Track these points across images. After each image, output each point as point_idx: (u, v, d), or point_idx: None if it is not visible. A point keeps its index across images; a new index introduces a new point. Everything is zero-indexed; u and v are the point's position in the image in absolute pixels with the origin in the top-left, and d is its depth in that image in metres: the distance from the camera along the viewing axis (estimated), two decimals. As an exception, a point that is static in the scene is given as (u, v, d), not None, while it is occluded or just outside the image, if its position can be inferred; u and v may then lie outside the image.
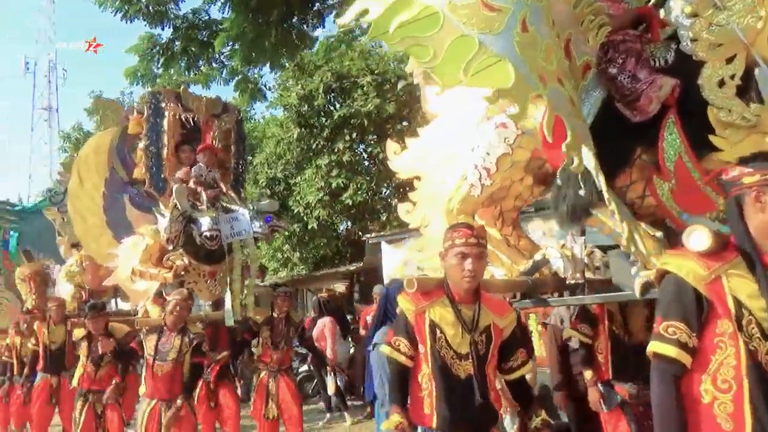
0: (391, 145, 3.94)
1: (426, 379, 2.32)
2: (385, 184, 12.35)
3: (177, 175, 5.50)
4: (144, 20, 7.90)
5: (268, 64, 7.74)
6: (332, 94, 12.33)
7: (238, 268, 5.36)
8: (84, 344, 5.49)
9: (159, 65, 8.99)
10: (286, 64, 9.53)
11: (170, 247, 5.06)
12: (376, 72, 12.40)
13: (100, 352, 5.25)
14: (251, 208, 5.30)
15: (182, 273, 5.25)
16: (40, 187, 31.17)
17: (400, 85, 11.75)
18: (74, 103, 73.02)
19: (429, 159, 3.33)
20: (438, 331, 2.30)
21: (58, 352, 6.39)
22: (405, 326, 2.36)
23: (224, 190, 5.53)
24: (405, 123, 12.23)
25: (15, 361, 7.05)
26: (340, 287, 12.37)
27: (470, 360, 2.27)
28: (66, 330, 6.01)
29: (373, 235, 10.49)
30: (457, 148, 2.99)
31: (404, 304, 2.36)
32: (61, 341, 6.33)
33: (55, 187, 8.62)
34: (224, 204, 5.37)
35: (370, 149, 12.39)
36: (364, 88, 12.28)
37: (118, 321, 5.78)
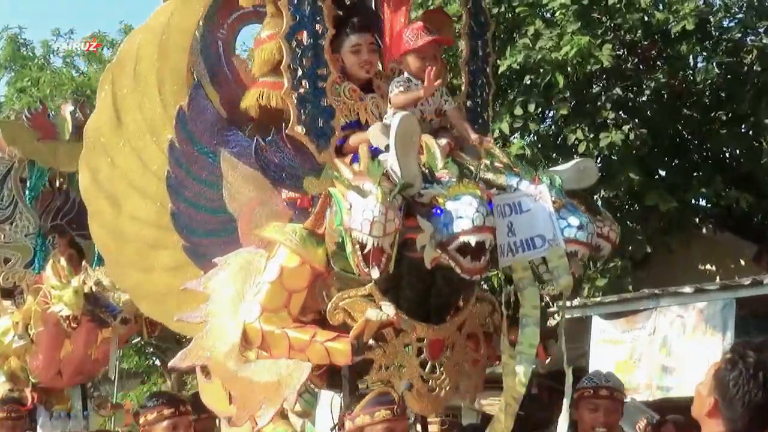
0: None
1: None
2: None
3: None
4: None
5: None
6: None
7: (532, 334, 3.90)
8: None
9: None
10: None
11: (375, 272, 3.55)
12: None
13: None
14: (548, 180, 3.80)
15: (365, 342, 3.82)
16: None
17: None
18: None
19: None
20: None
21: None
22: None
23: (472, 138, 4.15)
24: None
25: None
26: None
27: None
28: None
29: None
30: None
31: None
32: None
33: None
34: (481, 173, 3.92)
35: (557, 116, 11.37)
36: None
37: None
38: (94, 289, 5.70)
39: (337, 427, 4.19)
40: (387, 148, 3.79)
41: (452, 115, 4.16)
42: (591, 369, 8.11)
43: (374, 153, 3.84)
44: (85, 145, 4.54)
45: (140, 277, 4.55)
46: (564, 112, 10.80)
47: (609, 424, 4.23)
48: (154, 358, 20.57)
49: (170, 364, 4.76)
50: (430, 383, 3.96)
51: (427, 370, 3.94)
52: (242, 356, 4.00)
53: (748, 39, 10.91)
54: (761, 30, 10.88)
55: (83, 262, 6.18)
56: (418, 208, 3.58)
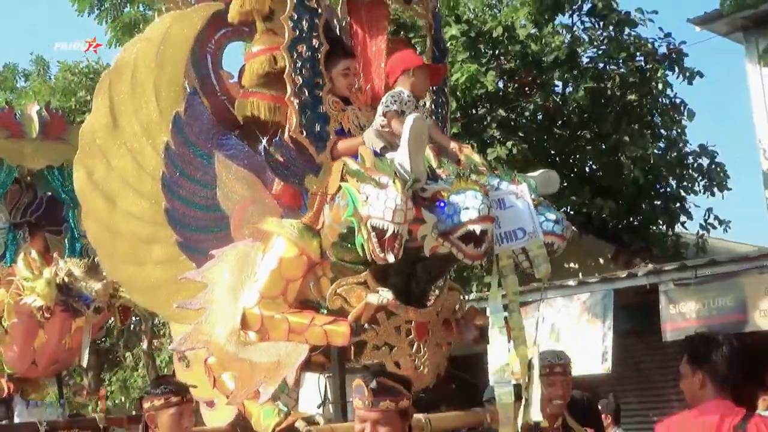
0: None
1: None
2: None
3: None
4: None
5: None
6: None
7: (518, 318, 4.36)
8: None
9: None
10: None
11: (390, 256, 3.67)
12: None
13: None
14: (525, 182, 4.04)
15: (362, 324, 3.96)
16: None
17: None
18: None
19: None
20: None
21: None
22: None
23: (453, 145, 4.36)
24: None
25: None
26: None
27: None
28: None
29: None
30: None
31: None
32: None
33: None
34: (466, 174, 4.01)
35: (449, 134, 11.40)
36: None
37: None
38: (66, 280, 5.61)
39: (324, 404, 4.32)
40: (382, 150, 3.99)
41: (431, 128, 4.31)
42: (491, 356, 8.62)
43: (369, 155, 4.03)
44: (80, 146, 4.53)
45: (133, 270, 4.56)
46: (455, 130, 11.02)
47: (564, 396, 4.51)
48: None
49: (171, 347, 4.75)
50: (416, 362, 4.13)
51: (414, 350, 4.12)
52: (241, 340, 4.09)
53: (609, 67, 11.86)
54: (620, 60, 11.82)
55: (54, 254, 6.07)
56: (421, 202, 3.74)
